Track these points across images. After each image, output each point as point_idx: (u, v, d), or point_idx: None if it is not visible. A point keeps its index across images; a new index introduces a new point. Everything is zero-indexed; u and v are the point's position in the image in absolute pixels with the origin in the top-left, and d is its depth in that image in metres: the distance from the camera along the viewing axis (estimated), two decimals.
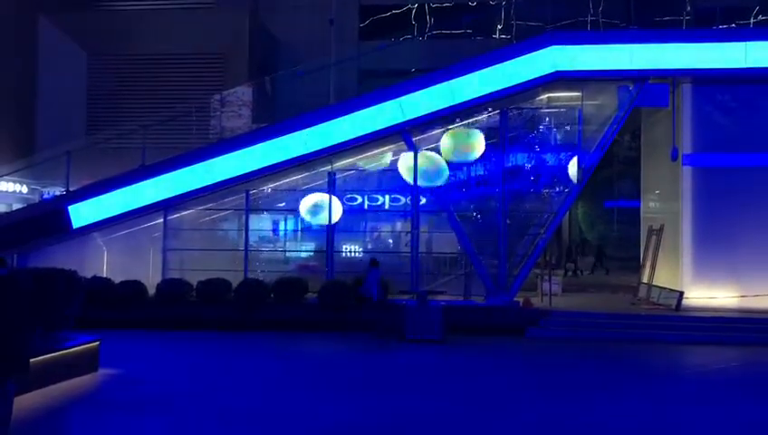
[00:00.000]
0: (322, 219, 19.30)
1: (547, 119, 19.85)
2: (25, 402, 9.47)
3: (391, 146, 19.50)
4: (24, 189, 25.01)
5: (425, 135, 19.35)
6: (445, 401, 10.61)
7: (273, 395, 11.01)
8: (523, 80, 18.01)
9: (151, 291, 17.99)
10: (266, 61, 27.93)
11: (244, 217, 19.46)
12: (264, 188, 19.94)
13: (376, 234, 21.41)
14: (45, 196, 24.83)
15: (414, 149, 18.71)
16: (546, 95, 19.39)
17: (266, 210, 20.68)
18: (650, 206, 22.16)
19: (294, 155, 18.47)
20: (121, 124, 23.88)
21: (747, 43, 17.90)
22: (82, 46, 27.23)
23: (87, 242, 19.10)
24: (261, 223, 20.81)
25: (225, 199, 19.66)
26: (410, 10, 28.35)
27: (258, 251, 20.30)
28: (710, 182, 18.51)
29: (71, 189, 19.53)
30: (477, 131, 19.06)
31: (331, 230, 19.24)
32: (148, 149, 19.47)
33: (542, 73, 17.98)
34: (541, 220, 18.92)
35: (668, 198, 19.99)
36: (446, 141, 18.96)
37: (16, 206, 23.72)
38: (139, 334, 16.15)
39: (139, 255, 19.20)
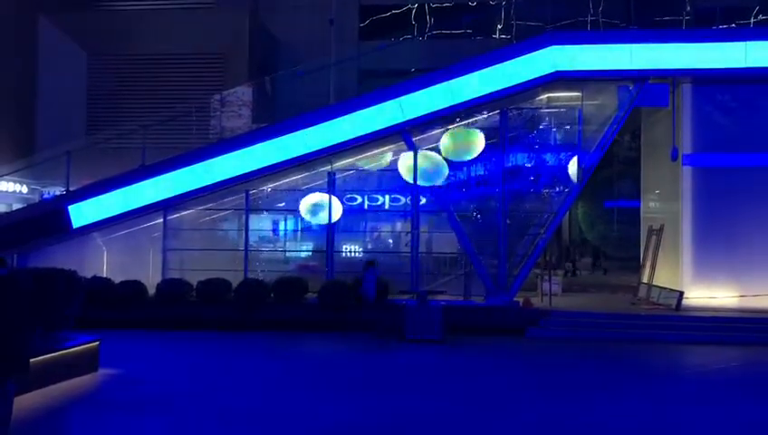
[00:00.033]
0: (322, 219, 19.31)
1: (547, 119, 19.86)
2: (25, 402, 9.47)
3: (391, 146, 19.50)
4: (24, 189, 25.02)
5: (425, 135, 19.34)
6: (445, 401, 10.61)
7: (273, 395, 11.01)
8: (523, 80, 18.01)
9: (151, 291, 17.99)
10: (266, 61, 27.94)
11: (244, 217, 19.46)
12: (264, 188, 19.94)
13: (376, 234, 21.41)
14: (45, 196, 24.85)
15: (414, 149, 18.72)
16: (546, 95, 19.39)
17: (266, 210, 20.68)
18: (650, 206, 22.17)
19: (294, 155, 18.47)
20: (121, 124, 23.90)
21: (747, 42, 17.89)
22: (82, 46, 27.24)
23: (87, 242, 19.10)
24: (261, 223, 20.81)
25: (225, 199, 19.67)
26: (410, 10, 28.36)
27: (258, 251, 20.29)
28: (710, 182, 18.52)
29: (71, 189, 19.53)
30: (476, 130, 19.08)
31: (330, 230, 19.24)
32: (148, 149, 19.47)
33: (542, 73, 17.98)
34: (541, 220, 18.92)
35: (668, 198, 19.99)
36: (445, 140, 18.98)
37: (16, 206, 23.74)
38: (139, 334, 16.16)
39: (138, 255, 19.22)
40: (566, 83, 18.53)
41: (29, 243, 18.52)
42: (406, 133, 18.61)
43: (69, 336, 11.77)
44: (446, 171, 18.92)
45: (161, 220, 19.10)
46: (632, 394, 11.21)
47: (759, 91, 18.36)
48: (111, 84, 26.66)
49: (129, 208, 18.60)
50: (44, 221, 18.58)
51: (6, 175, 23.22)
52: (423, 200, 19.47)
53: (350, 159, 19.76)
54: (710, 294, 18.08)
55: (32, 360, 8.14)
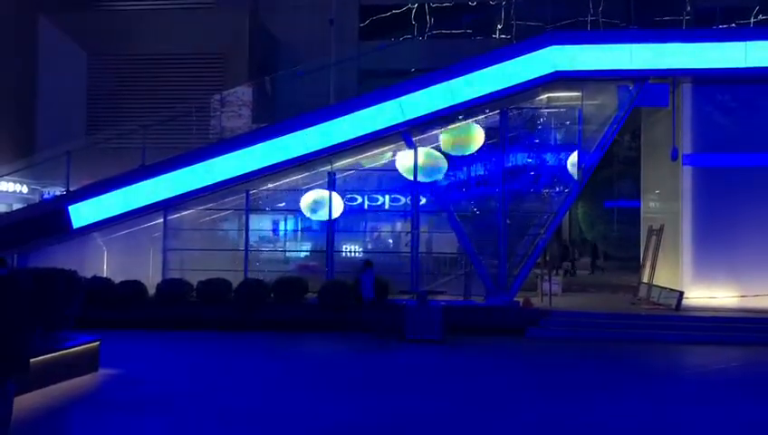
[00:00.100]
0: (323, 216, 19.32)
1: (547, 119, 19.86)
2: (25, 402, 9.48)
3: (391, 146, 19.50)
4: (24, 189, 25.01)
5: (425, 135, 19.35)
6: (445, 401, 10.61)
7: (273, 395, 11.02)
8: (523, 80, 18.00)
9: (151, 291, 17.99)
10: (266, 61, 27.93)
11: (244, 217, 19.46)
12: (264, 187, 19.94)
13: (376, 234, 21.42)
14: (45, 196, 24.84)
15: (414, 149, 18.71)
16: (546, 95, 19.39)
17: (266, 210, 20.69)
18: (650, 206, 22.17)
19: (294, 155, 18.47)
20: (121, 124, 23.88)
21: (747, 42, 17.89)
22: (82, 46, 27.23)
23: (87, 242, 19.10)
24: (261, 223, 20.81)
25: (225, 199, 19.67)
26: (410, 10, 28.34)
27: (258, 251, 20.30)
28: (710, 182, 18.52)
29: (71, 189, 19.53)
30: (475, 125, 19.09)
31: (331, 230, 19.25)
32: (148, 149, 19.46)
33: (542, 73, 17.97)
34: (541, 220, 18.92)
35: (668, 198, 19.99)
36: (444, 135, 19.03)
37: (16, 206, 23.72)
38: (139, 334, 16.16)
39: (139, 255, 19.21)
40: (566, 83, 18.53)
41: (29, 243, 18.52)
42: (406, 133, 18.62)
43: (69, 336, 11.77)
44: (445, 167, 18.94)
45: (161, 220, 19.10)
46: (632, 394, 11.21)
47: (759, 91, 18.36)
48: (111, 84, 26.64)
49: (130, 208, 18.59)
50: (44, 221, 18.58)
51: (6, 175, 23.20)
52: (423, 200, 19.48)
53: (350, 159, 19.76)
54: (710, 294, 18.08)
55: (32, 360, 8.14)
